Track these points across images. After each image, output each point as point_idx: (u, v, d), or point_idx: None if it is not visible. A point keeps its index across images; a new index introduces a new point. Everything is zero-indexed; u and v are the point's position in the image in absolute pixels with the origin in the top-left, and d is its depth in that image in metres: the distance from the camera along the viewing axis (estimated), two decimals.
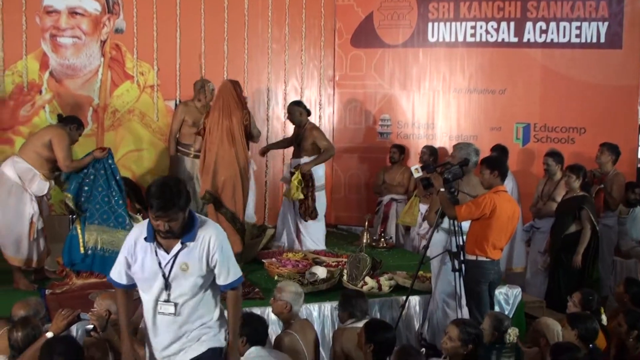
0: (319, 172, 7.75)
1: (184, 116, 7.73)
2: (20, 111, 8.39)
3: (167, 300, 3.65)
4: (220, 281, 3.75)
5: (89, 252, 6.17)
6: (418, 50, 9.51)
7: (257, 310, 5.64)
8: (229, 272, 3.74)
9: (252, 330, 4.33)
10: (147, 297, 3.72)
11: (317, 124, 9.78)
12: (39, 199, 6.26)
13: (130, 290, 3.86)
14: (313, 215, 7.57)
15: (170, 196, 3.47)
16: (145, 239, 3.66)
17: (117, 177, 6.44)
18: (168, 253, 3.64)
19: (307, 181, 7.49)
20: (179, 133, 7.80)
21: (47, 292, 5.98)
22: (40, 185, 6.22)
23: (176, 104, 8.60)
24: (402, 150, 9.07)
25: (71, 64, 8.52)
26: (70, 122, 6.46)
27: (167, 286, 3.64)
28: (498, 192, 5.67)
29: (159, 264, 3.64)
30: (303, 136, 7.74)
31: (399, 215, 8.81)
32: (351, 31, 9.75)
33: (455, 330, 4.34)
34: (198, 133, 6.62)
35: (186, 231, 3.62)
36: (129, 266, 3.74)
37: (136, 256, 3.70)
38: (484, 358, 4.59)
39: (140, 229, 3.74)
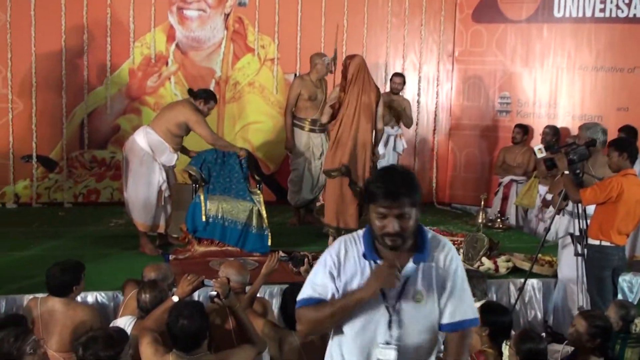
0: None
1: (300, 90, 7.78)
2: (148, 82, 8.72)
3: (389, 343, 2.73)
4: (447, 318, 2.78)
5: (210, 220, 6.34)
6: (542, 26, 9.14)
7: None
8: (463, 307, 2.79)
9: None
10: (357, 339, 2.76)
11: (435, 101, 9.70)
12: (167, 168, 6.50)
13: None
14: None
15: (402, 182, 2.64)
16: (364, 255, 2.75)
17: (241, 159, 6.67)
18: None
19: None
20: (295, 106, 7.87)
21: (171, 257, 6.21)
22: (169, 156, 6.45)
23: (295, 77, 8.68)
24: (525, 130, 8.81)
25: (196, 37, 8.77)
26: (198, 97, 6.51)
27: (391, 323, 2.73)
28: (627, 175, 5.40)
29: (382, 292, 2.72)
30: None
31: (511, 195, 8.63)
32: (473, 6, 9.51)
33: (584, 323, 4.14)
34: (332, 106, 6.60)
35: (417, 246, 2.74)
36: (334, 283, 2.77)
37: (346, 280, 2.75)
38: (607, 347, 4.42)
39: (344, 243, 2.82)
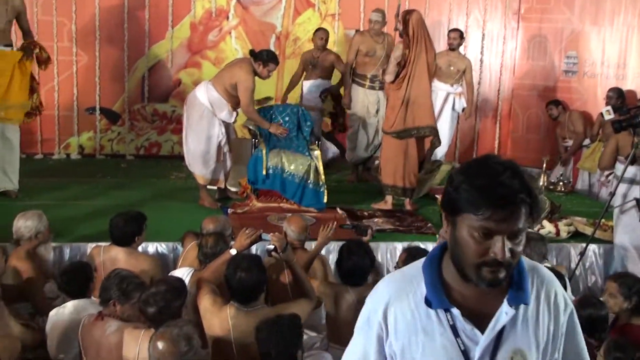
0: None
1: (359, 46, 7.68)
2: (209, 36, 8.75)
3: None
4: None
5: (270, 171, 6.39)
6: None
7: (429, 245, 5.64)
8: None
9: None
10: None
11: (500, 59, 9.47)
12: (227, 124, 6.53)
13: None
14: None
15: (520, 183, 1.72)
16: (428, 302, 1.85)
17: (306, 122, 6.73)
18: (481, 329, 1.83)
19: None
20: (354, 62, 7.78)
21: (229, 211, 6.28)
22: (228, 114, 6.47)
23: (355, 33, 8.57)
24: (556, 104, 8.65)
25: None
26: (257, 59, 6.37)
27: None
28: None
29: (464, 352, 1.83)
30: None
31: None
32: None
33: (614, 285, 4.08)
34: (398, 64, 6.50)
35: (511, 281, 1.84)
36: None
37: (399, 339, 1.87)
38: None
39: (392, 286, 1.93)
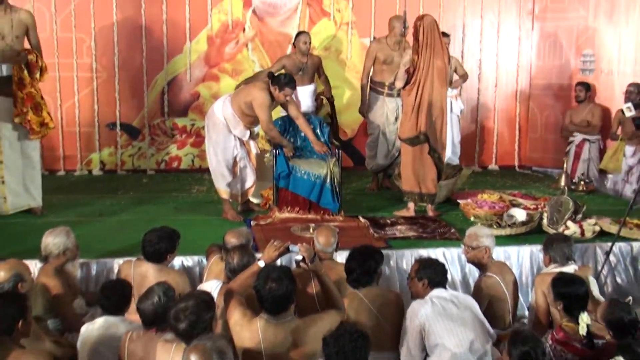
0: None
1: (377, 53, 7.69)
2: (225, 48, 8.81)
3: None
4: None
5: (292, 171, 6.48)
6: None
7: (453, 251, 5.66)
8: None
9: (433, 273, 4.29)
10: None
11: (516, 60, 9.45)
12: (247, 139, 6.58)
13: None
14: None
15: None
16: None
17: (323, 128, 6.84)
18: None
19: None
20: (372, 70, 7.80)
21: (252, 223, 6.31)
22: (243, 131, 6.50)
23: (371, 41, 8.59)
24: (587, 87, 8.65)
25: (272, 2, 8.80)
26: (274, 83, 6.33)
27: None
28: None
29: None
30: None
31: (591, 156, 8.47)
32: None
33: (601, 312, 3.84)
34: (407, 71, 6.50)
35: None
36: None
37: None
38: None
39: None
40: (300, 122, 6.64)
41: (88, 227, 6.12)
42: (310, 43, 7.65)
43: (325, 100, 7.86)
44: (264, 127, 6.42)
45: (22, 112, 6.20)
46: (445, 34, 8.19)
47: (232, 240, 4.66)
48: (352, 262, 4.37)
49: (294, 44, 7.75)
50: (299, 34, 7.73)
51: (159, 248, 4.54)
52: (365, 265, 4.34)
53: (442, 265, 4.40)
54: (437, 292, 4.21)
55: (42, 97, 6.37)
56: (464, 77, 8.25)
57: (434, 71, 6.44)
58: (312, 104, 7.73)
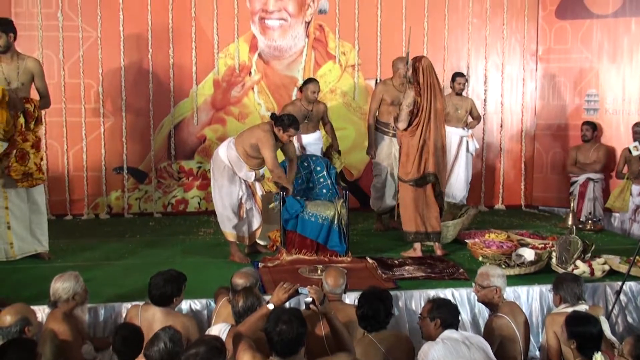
0: None
1: (383, 95, 7.76)
2: (232, 92, 8.90)
3: None
4: None
5: (300, 214, 6.48)
6: (630, 20, 8.87)
7: (462, 291, 5.63)
8: None
9: (446, 313, 4.26)
10: None
11: (521, 101, 9.52)
12: (252, 181, 6.59)
13: None
14: None
15: None
16: None
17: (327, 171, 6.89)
18: None
19: None
20: (378, 111, 7.85)
21: (260, 265, 6.29)
22: (247, 173, 6.51)
23: (376, 83, 8.67)
24: (594, 127, 8.77)
25: (278, 46, 8.90)
26: (277, 124, 6.35)
27: None
28: None
29: None
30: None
31: (596, 195, 8.49)
32: (556, 2, 9.31)
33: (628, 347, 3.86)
34: (411, 112, 6.54)
35: None
36: None
37: None
38: None
39: None
40: (292, 166, 6.68)
41: (95, 272, 6.10)
42: (318, 92, 7.63)
43: (336, 154, 7.86)
44: (269, 165, 6.41)
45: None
46: (461, 74, 8.40)
47: (239, 281, 4.63)
48: (365, 308, 4.30)
49: (301, 88, 7.77)
50: (308, 81, 7.67)
51: (165, 291, 4.51)
52: (378, 313, 4.30)
53: (455, 306, 4.38)
54: (448, 332, 4.18)
55: (36, 148, 6.35)
56: (478, 118, 8.46)
57: (435, 112, 6.50)
58: (317, 151, 7.73)
